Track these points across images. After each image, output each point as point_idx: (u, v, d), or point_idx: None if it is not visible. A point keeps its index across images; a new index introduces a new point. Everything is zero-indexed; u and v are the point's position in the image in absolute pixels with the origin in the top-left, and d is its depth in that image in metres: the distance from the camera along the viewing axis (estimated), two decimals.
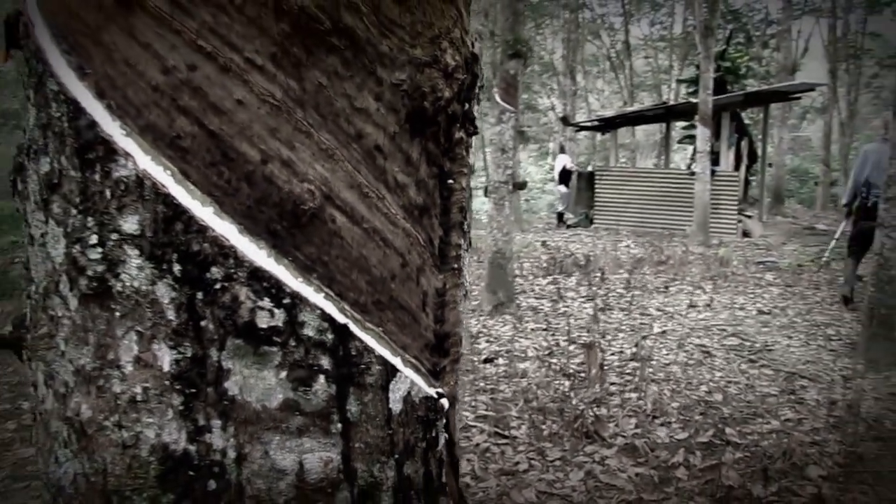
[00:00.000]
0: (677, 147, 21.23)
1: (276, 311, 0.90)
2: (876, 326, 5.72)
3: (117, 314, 0.93)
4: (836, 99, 22.38)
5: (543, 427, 4.05)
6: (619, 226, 15.18)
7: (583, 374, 4.92)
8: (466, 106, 1.00)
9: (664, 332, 6.54)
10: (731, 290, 8.59)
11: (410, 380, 1.01)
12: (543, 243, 13.15)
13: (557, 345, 6.07)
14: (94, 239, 0.92)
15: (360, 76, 0.92)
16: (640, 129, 29.70)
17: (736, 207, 14.00)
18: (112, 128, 0.91)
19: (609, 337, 6.09)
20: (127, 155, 0.90)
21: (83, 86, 0.92)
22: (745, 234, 14.08)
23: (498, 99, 7.12)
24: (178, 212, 0.89)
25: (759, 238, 13.61)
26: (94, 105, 0.92)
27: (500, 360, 5.63)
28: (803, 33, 24.88)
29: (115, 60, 0.90)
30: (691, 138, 17.92)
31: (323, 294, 0.92)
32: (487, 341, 6.31)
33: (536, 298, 8.23)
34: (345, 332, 0.93)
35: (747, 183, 15.54)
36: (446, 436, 1.09)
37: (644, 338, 6.08)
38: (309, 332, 0.92)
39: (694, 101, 14.48)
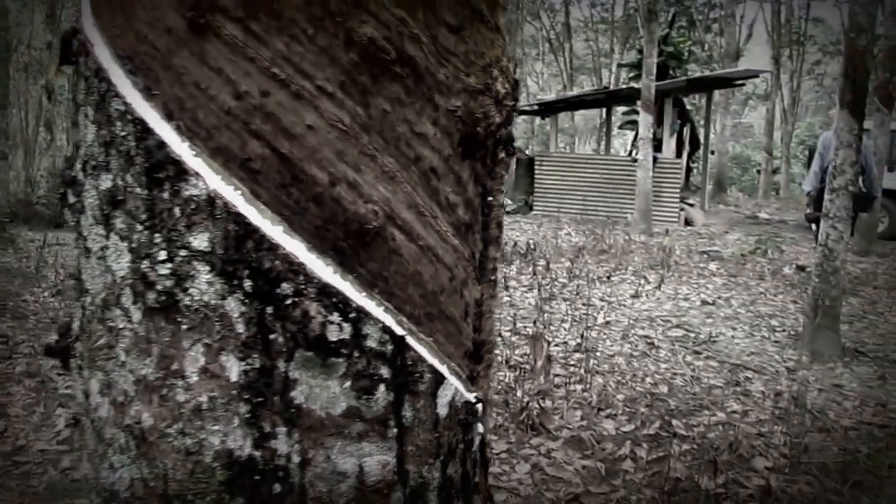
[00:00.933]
0: (617, 133, 21.56)
1: (343, 324, 0.95)
2: (820, 318, 5.97)
3: (184, 327, 0.97)
4: (779, 85, 23.04)
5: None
6: (559, 213, 15.34)
7: (527, 366, 4.97)
8: (508, 128, 1.07)
9: (608, 322, 6.64)
10: (674, 280, 8.79)
11: (455, 386, 1.08)
12: None
13: (500, 335, 6.15)
14: (162, 255, 0.96)
15: (420, 103, 0.97)
16: (580, 114, 30.03)
17: (678, 195, 14.36)
18: (181, 148, 0.94)
19: (553, 328, 6.14)
20: (197, 175, 0.94)
21: (149, 106, 0.96)
22: (688, 222, 14.47)
23: None
24: (249, 230, 0.93)
25: (702, 227, 14.00)
26: (162, 126, 0.95)
27: None
28: (747, 18, 25.52)
29: (186, 84, 0.94)
30: (632, 124, 18.25)
31: (383, 308, 0.98)
32: None
33: None
34: (402, 344, 1.00)
35: (689, 170, 15.98)
36: (480, 437, 1.16)
37: (588, 328, 6.21)
38: (371, 343, 0.97)
39: (636, 86, 14.73)
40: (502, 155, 1.08)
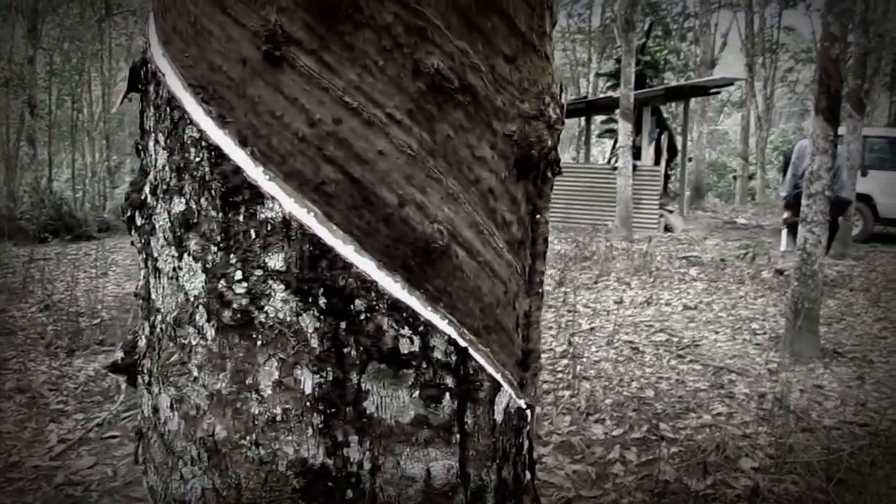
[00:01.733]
0: (596, 141, 21.77)
1: (413, 338, 1.01)
2: (799, 320, 6.10)
3: (259, 343, 1.02)
4: (753, 93, 23.45)
5: None
6: None
7: None
8: (556, 150, 1.13)
9: (593, 328, 6.70)
10: (656, 285, 8.91)
11: (509, 393, 1.13)
12: None
13: None
14: (238, 274, 1.01)
15: (480, 128, 1.04)
16: None
17: (657, 202, 14.55)
18: (256, 173, 1.00)
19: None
20: (272, 198, 0.99)
21: (223, 133, 1.01)
22: (668, 228, 14.66)
23: None
24: (324, 250, 0.99)
25: (681, 233, 14.18)
26: (236, 152, 1.00)
27: None
28: (721, 27, 25.94)
29: (260, 112, 0.99)
30: (611, 132, 18.49)
31: (447, 321, 1.04)
32: None
33: None
34: (465, 354, 1.05)
35: (668, 177, 16.19)
36: (529, 441, 1.22)
37: (573, 335, 6.28)
38: (438, 355, 1.03)
39: (614, 95, 14.93)
40: (550, 175, 1.14)
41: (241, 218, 1.01)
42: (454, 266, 1.04)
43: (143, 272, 1.15)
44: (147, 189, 1.12)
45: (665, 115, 17.30)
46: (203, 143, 1.02)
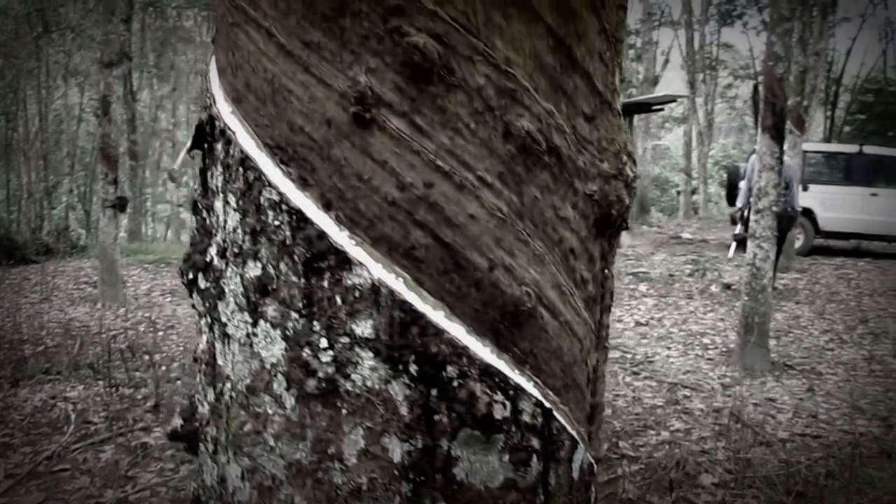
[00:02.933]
0: None
1: (505, 402, 0.99)
2: (750, 334, 6.26)
3: (344, 411, 0.99)
4: (694, 109, 24.13)
5: None
6: None
7: None
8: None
9: None
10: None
11: (583, 449, 1.13)
12: None
13: None
14: (323, 342, 0.98)
15: (563, 189, 1.03)
16: None
17: None
18: (341, 238, 0.97)
19: None
20: (360, 264, 0.96)
21: (304, 196, 0.98)
22: None
23: None
24: (415, 316, 0.96)
25: (629, 248, 14.41)
26: (320, 216, 0.97)
27: None
28: (662, 45, 26.66)
29: (346, 175, 0.96)
30: None
31: (532, 383, 1.03)
32: None
33: None
34: (549, 415, 1.04)
35: None
36: (594, 494, 1.21)
37: None
38: (526, 417, 1.02)
39: None
40: (621, 231, 1.14)
41: (325, 284, 0.98)
42: (539, 327, 1.02)
43: (205, 336, 1.11)
44: (213, 251, 1.08)
45: None
46: (284, 207, 0.98)
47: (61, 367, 5.70)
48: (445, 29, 0.93)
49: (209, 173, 1.09)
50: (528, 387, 1.02)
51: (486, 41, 0.95)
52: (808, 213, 11.80)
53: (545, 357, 1.04)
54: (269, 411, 1.02)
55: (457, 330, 0.98)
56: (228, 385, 1.07)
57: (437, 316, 0.97)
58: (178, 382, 5.51)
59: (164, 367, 5.88)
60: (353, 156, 0.96)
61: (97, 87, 8.73)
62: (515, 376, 1.01)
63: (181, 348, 6.83)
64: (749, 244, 6.47)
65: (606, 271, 1.15)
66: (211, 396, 1.10)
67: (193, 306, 1.12)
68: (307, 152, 0.98)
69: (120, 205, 8.57)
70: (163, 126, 22.34)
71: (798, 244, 11.72)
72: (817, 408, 5.39)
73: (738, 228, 8.96)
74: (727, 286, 9.82)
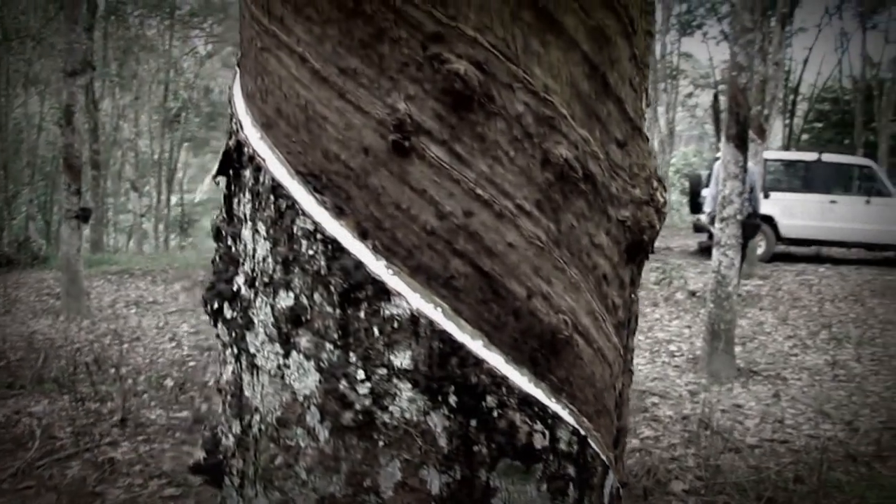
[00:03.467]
0: None
1: (545, 432, 0.98)
2: (716, 341, 6.35)
3: (381, 444, 0.97)
4: (656, 117, 24.48)
5: None
6: None
7: None
8: None
9: None
10: None
11: (612, 474, 1.12)
12: None
13: None
14: (360, 374, 0.96)
15: (598, 215, 1.03)
16: None
17: None
18: (378, 267, 0.95)
19: None
20: (399, 294, 0.95)
21: (339, 225, 0.96)
22: None
23: None
24: (454, 347, 0.95)
25: None
26: (356, 245, 0.96)
27: None
28: None
29: (384, 204, 0.95)
30: None
31: (568, 410, 1.02)
32: None
33: None
34: (584, 442, 1.04)
35: None
36: None
37: None
38: (563, 445, 1.01)
39: None
40: (648, 255, 1.15)
41: (362, 315, 0.96)
42: (575, 355, 1.02)
43: (230, 367, 1.08)
44: (240, 280, 1.05)
45: None
46: (319, 236, 0.96)
47: (25, 381, 5.56)
48: (486, 56, 0.93)
49: (235, 200, 1.06)
50: (565, 414, 1.01)
51: (525, 68, 0.95)
52: (769, 220, 12.01)
53: (580, 384, 1.03)
54: (302, 444, 1.00)
55: (496, 359, 0.97)
56: (257, 417, 1.04)
57: (476, 346, 0.96)
58: (145, 396, 5.41)
59: (130, 381, 5.76)
60: (391, 184, 0.95)
61: (59, 96, 8.55)
62: (553, 404, 1.00)
63: (147, 361, 6.70)
64: (714, 252, 6.56)
65: (633, 295, 1.15)
66: (237, 428, 1.07)
67: (218, 336, 1.09)
68: (343, 180, 0.96)
69: (83, 215, 8.39)
70: (125, 135, 21.97)
71: (760, 251, 11.92)
72: (783, 413, 5.48)
73: (707, 235, 9.09)
74: (692, 293, 9.95)
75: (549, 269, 0.98)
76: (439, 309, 0.95)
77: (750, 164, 8.09)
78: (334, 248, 0.96)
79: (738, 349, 6.80)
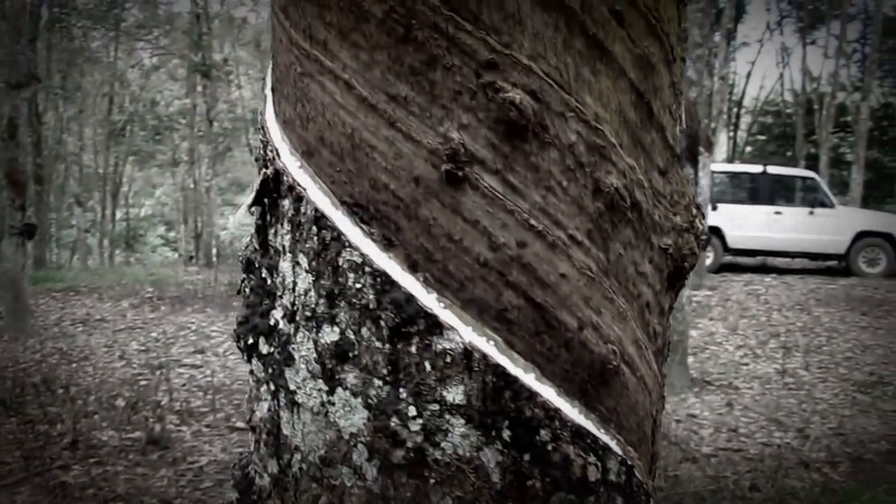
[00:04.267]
0: None
1: (598, 464, 0.97)
2: (673, 353, 6.46)
3: (431, 481, 0.94)
4: None
5: None
6: None
7: None
8: None
9: None
10: None
11: (653, 501, 1.11)
12: None
13: None
14: (412, 410, 0.93)
15: (642, 244, 1.02)
16: None
17: None
18: (429, 300, 0.93)
19: None
20: (451, 328, 0.92)
21: (388, 258, 0.94)
22: None
23: None
24: (508, 380, 0.93)
25: None
26: (406, 278, 0.93)
27: None
28: None
29: (435, 235, 0.92)
30: None
31: (616, 441, 1.01)
32: None
33: None
34: (630, 472, 1.02)
35: None
36: None
37: None
38: (612, 476, 0.99)
39: None
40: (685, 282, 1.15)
41: (413, 349, 0.93)
42: (621, 384, 1.01)
43: (265, 404, 1.04)
44: (278, 315, 1.01)
45: None
46: (367, 269, 0.94)
47: None
48: (540, 85, 0.91)
49: (271, 231, 1.03)
50: (613, 445, 1.00)
51: (577, 97, 0.94)
52: (716, 231, 12.29)
53: (625, 413, 1.02)
54: (347, 483, 0.97)
55: (548, 392, 0.95)
56: (298, 456, 1.00)
57: (529, 378, 0.94)
58: (96, 417, 5.26)
59: (80, 401, 5.59)
60: (443, 215, 0.92)
61: (1, 108, 8.27)
62: (602, 435, 0.98)
63: (97, 380, 6.52)
64: None
65: (668, 322, 1.15)
66: (273, 468, 1.03)
67: (251, 372, 1.05)
68: (391, 211, 0.94)
69: (28, 232, 8.11)
70: (69, 149, 21.37)
71: (708, 261, 12.18)
72: (737, 422, 5.59)
73: None
74: None
75: (599, 299, 0.97)
76: (492, 342, 0.93)
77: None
78: (383, 282, 0.93)
79: (690, 359, 6.91)
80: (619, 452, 1.01)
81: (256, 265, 1.05)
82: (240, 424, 5.30)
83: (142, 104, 24.63)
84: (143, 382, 6.50)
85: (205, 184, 18.89)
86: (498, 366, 0.93)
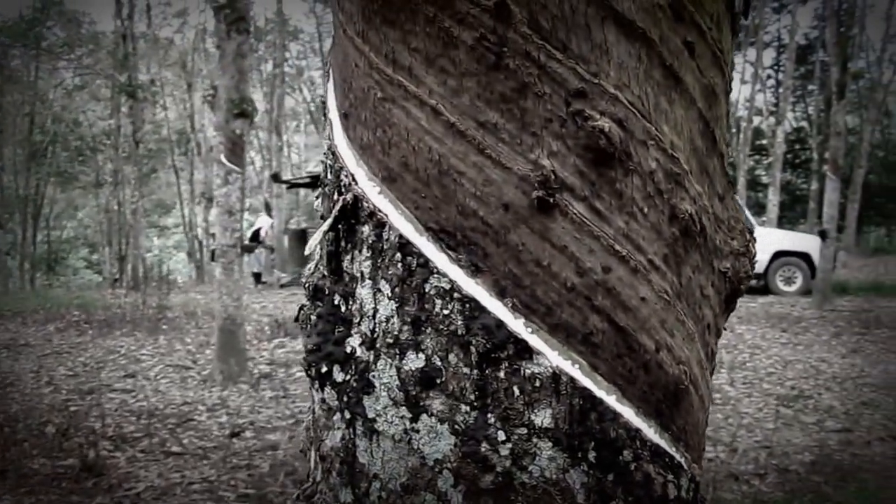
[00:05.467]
0: None
1: (675, 481, 0.99)
2: None
3: None
4: None
5: None
6: None
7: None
8: None
9: None
10: None
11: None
12: (262, 306, 12.90)
13: (301, 412, 6.10)
14: (501, 435, 0.94)
15: (707, 268, 1.05)
16: None
17: None
18: (517, 325, 0.94)
19: None
20: (539, 352, 0.93)
21: (476, 283, 0.94)
22: None
23: (224, 160, 7.05)
24: (594, 403, 0.94)
25: None
26: (494, 303, 0.94)
27: (248, 433, 5.55)
28: None
29: (523, 261, 0.94)
30: None
31: (685, 458, 1.03)
32: (227, 414, 6.16)
33: (268, 364, 8.14)
34: (697, 487, 1.05)
35: None
36: None
37: None
38: (684, 493, 1.02)
39: None
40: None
41: (501, 374, 0.94)
42: (689, 403, 1.04)
43: (339, 433, 1.02)
44: (355, 342, 1.00)
45: None
46: (455, 295, 0.94)
47: None
48: (626, 113, 0.94)
49: (347, 258, 1.02)
50: (683, 462, 1.03)
51: (656, 125, 0.96)
52: None
53: (691, 431, 1.05)
54: None
55: (628, 413, 0.97)
56: (376, 484, 0.99)
57: (611, 400, 0.96)
58: (26, 444, 5.02)
59: (8, 429, 5.34)
60: (532, 241, 0.93)
61: None
62: (675, 453, 1.01)
63: (25, 407, 6.23)
64: None
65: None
66: (347, 497, 1.01)
67: (323, 401, 1.03)
68: (479, 237, 0.94)
69: None
70: None
71: None
72: None
73: None
74: None
75: (673, 321, 1.00)
76: (577, 365, 0.95)
77: None
78: (472, 307, 0.94)
79: None
80: (688, 469, 1.03)
81: (327, 292, 1.04)
82: (175, 449, 5.18)
83: (64, 124, 23.82)
84: (73, 408, 6.25)
85: (130, 205, 18.32)
86: (585, 388, 0.94)
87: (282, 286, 16.35)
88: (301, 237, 16.83)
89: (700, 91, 1.01)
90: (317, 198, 1.15)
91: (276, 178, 19.63)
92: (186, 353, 8.96)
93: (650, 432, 0.98)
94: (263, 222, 17.35)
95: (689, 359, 1.03)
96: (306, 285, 1.07)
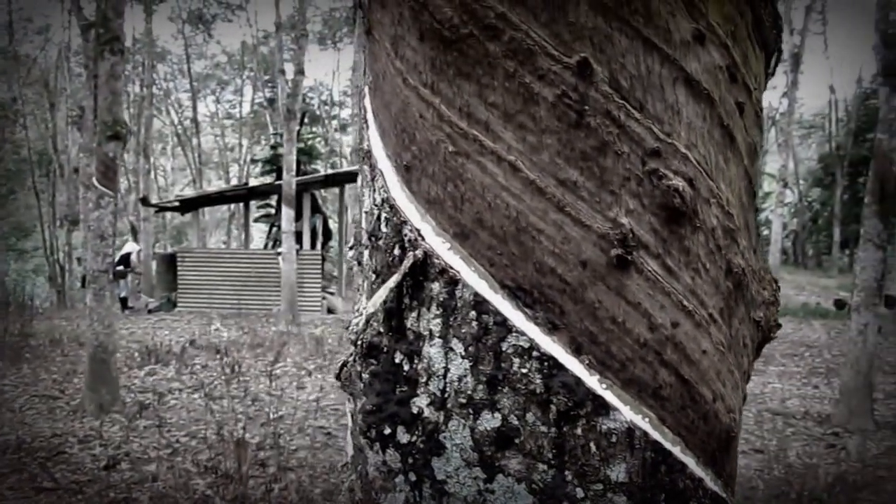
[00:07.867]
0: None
1: None
2: None
3: None
4: None
5: None
6: (205, 308, 14.95)
7: (216, 471, 4.92)
8: None
9: (281, 416, 6.74)
10: (332, 369, 9.20)
11: None
12: (130, 332, 12.34)
13: (178, 441, 5.98)
14: (579, 492, 0.93)
15: (747, 318, 1.10)
16: (208, 209, 29.80)
17: (320, 285, 14.88)
18: (592, 382, 0.94)
19: (229, 426, 6.03)
20: (615, 408, 0.94)
21: (552, 341, 0.94)
22: (330, 310, 15.01)
23: (96, 183, 6.80)
24: (664, 456, 0.96)
25: (344, 313, 14.61)
26: (570, 360, 0.94)
27: (124, 465, 5.37)
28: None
29: (600, 318, 0.94)
30: (267, 217, 18.69)
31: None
32: (101, 445, 5.90)
33: (140, 392, 7.85)
34: None
35: (324, 260, 16.65)
36: None
37: (263, 425, 6.25)
38: None
39: (274, 181, 15.19)
40: None
41: (579, 431, 0.93)
42: (734, 449, 1.07)
43: (401, 495, 0.97)
44: (422, 402, 0.96)
45: (319, 201, 17.95)
46: (534, 353, 0.93)
47: None
48: (694, 173, 0.97)
49: (413, 315, 0.98)
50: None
51: (716, 183, 1.00)
52: None
53: (734, 474, 1.09)
54: None
55: (691, 462, 0.99)
56: None
57: (677, 451, 0.98)
58: None
59: None
60: (608, 298, 0.94)
61: None
62: (728, 499, 1.04)
63: None
64: None
65: None
66: None
67: (384, 462, 0.98)
68: (557, 295, 0.94)
69: None
70: None
71: None
72: None
73: None
74: None
75: (725, 372, 1.04)
76: (647, 419, 0.96)
77: None
78: (551, 366, 0.93)
79: None
80: None
81: (385, 350, 1.00)
82: (47, 485, 4.89)
83: None
84: None
85: None
86: (656, 442, 0.95)
87: (150, 311, 15.67)
88: (170, 261, 16.24)
89: (746, 149, 1.06)
90: (350, 248, 1.10)
91: (144, 201, 18.74)
92: (53, 382, 8.47)
93: (708, 480, 1.01)
94: (131, 248, 16.53)
95: (736, 407, 1.06)
96: (358, 342, 1.02)
